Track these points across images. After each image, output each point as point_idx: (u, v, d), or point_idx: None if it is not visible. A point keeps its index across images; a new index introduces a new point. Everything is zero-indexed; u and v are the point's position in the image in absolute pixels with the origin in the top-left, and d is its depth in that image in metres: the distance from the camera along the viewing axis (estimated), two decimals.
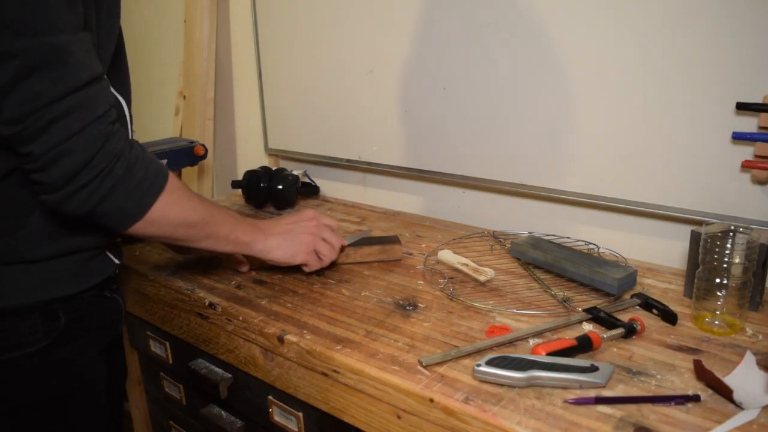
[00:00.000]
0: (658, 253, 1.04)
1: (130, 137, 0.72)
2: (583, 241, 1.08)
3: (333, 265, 1.03)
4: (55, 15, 0.60)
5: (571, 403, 0.65)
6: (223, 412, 1.02)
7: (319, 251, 0.94)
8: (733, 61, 0.89)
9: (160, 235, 0.75)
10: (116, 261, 0.85)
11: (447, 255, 1.03)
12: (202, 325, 0.95)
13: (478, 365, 0.69)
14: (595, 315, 0.82)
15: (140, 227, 0.71)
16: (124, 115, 0.78)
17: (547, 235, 1.10)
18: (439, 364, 0.73)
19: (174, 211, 0.73)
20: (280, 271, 1.01)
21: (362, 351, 0.77)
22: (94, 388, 0.83)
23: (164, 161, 1.33)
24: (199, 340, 0.97)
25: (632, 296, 0.88)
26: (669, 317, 0.81)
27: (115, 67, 0.78)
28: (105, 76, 0.68)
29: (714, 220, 0.93)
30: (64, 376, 0.78)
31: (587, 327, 0.81)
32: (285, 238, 0.90)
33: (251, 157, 1.71)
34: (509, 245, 1.08)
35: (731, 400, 0.64)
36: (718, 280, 0.79)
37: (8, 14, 0.57)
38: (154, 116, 1.95)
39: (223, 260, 1.04)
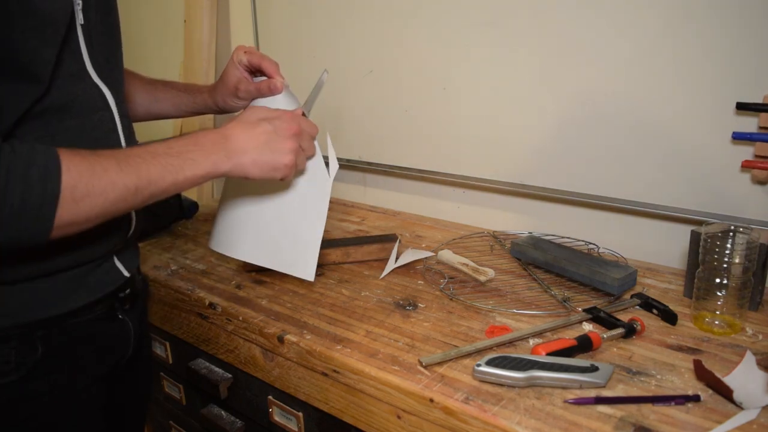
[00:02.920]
0: (658, 253, 1.04)
1: None
2: (583, 241, 1.08)
3: (333, 264, 1.03)
4: None
5: (571, 403, 0.65)
6: (223, 412, 1.02)
7: (297, 162, 0.77)
8: (733, 61, 0.89)
9: (88, 227, 0.63)
10: (125, 273, 0.77)
11: (447, 255, 1.03)
12: (202, 325, 0.95)
13: (478, 365, 0.69)
14: (595, 315, 0.82)
15: (57, 234, 0.59)
16: (108, 107, 0.73)
17: (547, 235, 1.10)
18: (439, 364, 0.73)
19: (86, 207, 0.60)
20: (280, 271, 1.01)
21: (362, 351, 0.77)
22: (81, 421, 0.76)
23: None
24: (199, 340, 0.97)
25: (632, 296, 0.88)
26: (669, 317, 0.81)
27: (105, 54, 0.74)
28: None
29: (714, 220, 0.93)
30: (41, 409, 0.71)
31: (587, 327, 0.81)
32: (262, 151, 0.72)
33: None
34: (509, 245, 1.08)
35: (731, 400, 0.64)
36: (718, 280, 0.79)
37: None
38: None
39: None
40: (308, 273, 0.82)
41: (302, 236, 0.83)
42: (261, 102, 0.86)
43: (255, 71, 0.89)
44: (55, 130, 0.67)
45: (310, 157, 0.80)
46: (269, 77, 0.86)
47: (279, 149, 0.73)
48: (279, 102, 0.84)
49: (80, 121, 0.69)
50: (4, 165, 0.55)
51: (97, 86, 0.72)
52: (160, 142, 0.68)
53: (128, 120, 0.79)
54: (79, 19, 0.68)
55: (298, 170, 0.79)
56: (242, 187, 0.85)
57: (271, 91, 0.87)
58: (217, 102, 0.94)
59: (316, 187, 0.83)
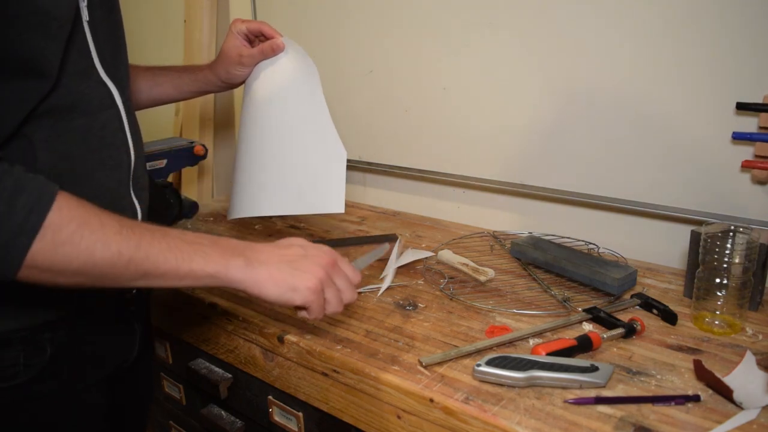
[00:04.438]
0: (658, 253, 1.04)
1: None
2: (583, 241, 1.08)
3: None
4: None
5: (571, 403, 0.65)
6: (223, 412, 1.02)
7: (327, 297, 0.67)
8: (733, 61, 0.89)
9: (63, 283, 0.57)
10: None
11: (447, 255, 1.03)
12: (202, 325, 0.95)
13: (478, 365, 0.69)
14: (595, 315, 0.82)
15: (27, 275, 0.54)
16: (115, 105, 0.72)
17: (547, 235, 1.10)
18: (439, 364, 0.73)
19: (65, 256, 0.54)
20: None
21: (362, 351, 0.77)
22: (85, 423, 0.75)
23: (164, 161, 1.33)
24: (199, 340, 0.97)
25: (632, 296, 0.88)
26: (669, 317, 0.81)
27: (112, 50, 0.74)
28: None
29: (714, 220, 0.93)
30: (47, 411, 0.70)
31: (587, 327, 0.81)
32: (281, 268, 0.65)
33: None
34: (509, 245, 1.08)
35: (731, 400, 0.64)
36: (718, 280, 0.79)
37: None
38: (154, 116, 1.94)
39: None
40: (338, 205, 0.82)
41: (322, 169, 0.85)
42: (265, 63, 0.89)
43: (254, 38, 0.93)
44: (62, 129, 0.66)
45: (347, 301, 0.70)
46: (270, 39, 0.90)
47: (303, 269, 0.65)
48: (285, 60, 0.87)
49: (87, 120, 0.69)
50: None
51: (104, 84, 0.71)
52: (178, 229, 0.62)
53: (134, 118, 0.79)
54: (85, 15, 0.68)
55: (328, 310, 0.68)
56: (250, 150, 0.86)
57: (274, 51, 0.90)
58: (220, 75, 0.95)
59: (313, 113, 0.86)
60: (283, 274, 0.64)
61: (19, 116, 0.61)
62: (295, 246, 0.68)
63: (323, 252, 0.68)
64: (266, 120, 0.92)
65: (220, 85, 0.97)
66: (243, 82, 0.97)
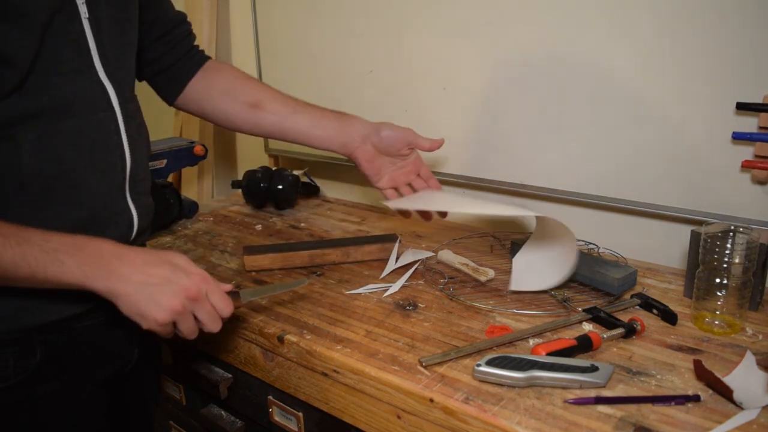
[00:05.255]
0: (658, 253, 1.04)
1: None
2: (583, 241, 1.08)
3: (333, 264, 1.03)
4: None
5: (571, 403, 0.65)
6: (223, 412, 1.02)
7: (179, 327, 0.67)
8: (733, 61, 0.89)
9: None
10: None
11: (447, 255, 1.03)
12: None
13: (478, 365, 0.69)
14: (595, 315, 0.82)
15: None
16: (111, 107, 0.71)
17: None
18: (439, 364, 0.73)
19: None
20: (280, 272, 1.02)
21: (362, 351, 0.77)
22: (83, 427, 0.75)
23: (164, 161, 1.33)
24: (199, 340, 0.97)
25: (632, 296, 0.88)
26: (669, 317, 0.81)
27: (117, 50, 0.72)
28: None
29: (714, 220, 0.93)
30: (40, 414, 0.69)
31: (587, 327, 0.81)
32: (138, 290, 0.62)
33: (251, 157, 1.71)
34: (509, 245, 1.08)
35: (731, 400, 0.64)
36: (718, 280, 0.79)
37: None
38: (154, 116, 1.94)
39: None
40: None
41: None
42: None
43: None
44: (51, 131, 0.65)
45: (208, 331, 0.70)
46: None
47: (158, 301, 0.63)
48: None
49: (79, 122, 0.67)
50: None
51: (101, 84, 0.69)
52: (45, 231, 0.61)
53: (135, 121, 0.76)
54: (84, 12, 0.66)
55: (185, 332, 0.68)
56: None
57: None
58: (370, 138, 0.96)
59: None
60: (138, 297, 0.62)
61: None
62: (167, 266, 0.65)
63: (191, 282, 0.65)
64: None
65: (350, 152, 0.97)
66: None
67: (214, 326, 0.69)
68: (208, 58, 0.95)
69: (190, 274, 0.66)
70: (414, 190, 1.00)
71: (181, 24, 0.91)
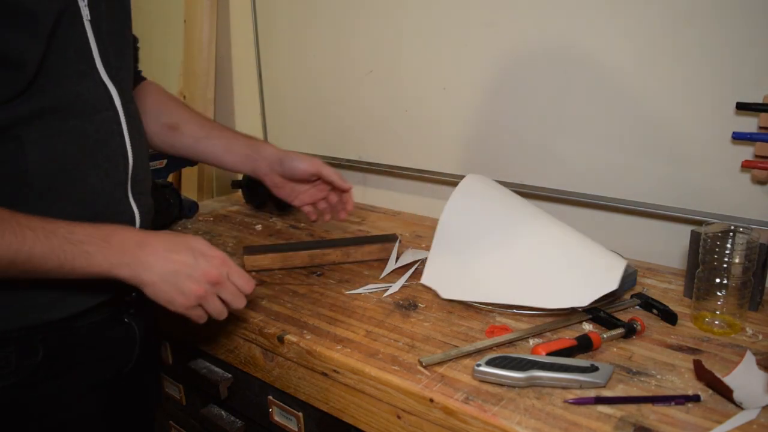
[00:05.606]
0: (658, 253, 1.04)
1: None
2: None
3: (333, 264, 1.03)
4: None
5: (571, 403, 0.65)
6: (223, 412, 1.02)
7: (207, 309, 0.71)
8: (733, 61, 0.89)
9: None
10: None
11: None
12: (202, 325, 0.95)
13: (478, 365, 0.69)
14: (595, 315, 0.82)
15: None
16: (113, 107, 0.72)
17: None
18: (439, 364, 0.73)
19: None
20: (280, 272, 1.02)
21: (362, 351, 0.77)
22: (82, 427, 0.75)
23: (164, 161, 1.33)
24: (199, 340, 0.97)
25: (632, 296, 0.88)
26: (669, 317, 0.81)
27: (116, 50, 0.73)
28: None
29: (714, 220, 0.93)
30: (41, 414, 0.70)
31: (587, 327, 0.81)
32: (164, 278, 0.66)
33: None
34: None
35: (731, 400, 0.64)
36: (718, 280, 0.79)
37: None
38: None
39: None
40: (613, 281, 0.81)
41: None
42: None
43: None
44: (55, 130, 0.65)
45: (235, 307, 0.73)
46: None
47: (182, 288, 0.67)
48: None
49: (82, 122, 0.68)
50: None
51: (103, 84, 0.70)
52: (70, 223, 0.63)
53: (138, 122, 0.77)
54: (86, 14, 0.67)
55: (212, 313, 0.72)
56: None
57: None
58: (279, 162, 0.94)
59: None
60: (163, 285, 0.66)
61: None
62: (188, 251, 0.67)
63: (211, 265, 0.68)
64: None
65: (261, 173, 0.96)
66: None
67: (238, 304, 0.72)
68: (144, 78, 0.96)
69: (210, 258, 0.69)
70: (330, 204, 1.00)
71: (133, 45, 0.92)
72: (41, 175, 0.65)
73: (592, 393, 0.66)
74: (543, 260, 0.86)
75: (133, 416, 0.89)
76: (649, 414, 0.63)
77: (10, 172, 0.64)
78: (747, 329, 0.79)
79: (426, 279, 0.91)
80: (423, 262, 1.04)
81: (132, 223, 0.76)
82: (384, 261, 1.04)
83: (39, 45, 0.62)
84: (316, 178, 0.96)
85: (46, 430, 0.72)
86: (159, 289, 0.66)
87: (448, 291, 0.87)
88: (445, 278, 0.90)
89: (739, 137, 0.90)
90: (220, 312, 0.71)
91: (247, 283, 0.72)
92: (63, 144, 0.66)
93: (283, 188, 0.97)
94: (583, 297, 0.80)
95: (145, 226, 0.78)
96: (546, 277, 0.84)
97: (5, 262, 0.59)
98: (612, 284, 0.80)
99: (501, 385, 0.68)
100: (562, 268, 0.85)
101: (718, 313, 0.80)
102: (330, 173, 0.94)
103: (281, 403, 0.89)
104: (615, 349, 0.75)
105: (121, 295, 0.77)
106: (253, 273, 1.02)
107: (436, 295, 0.91)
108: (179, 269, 0.66)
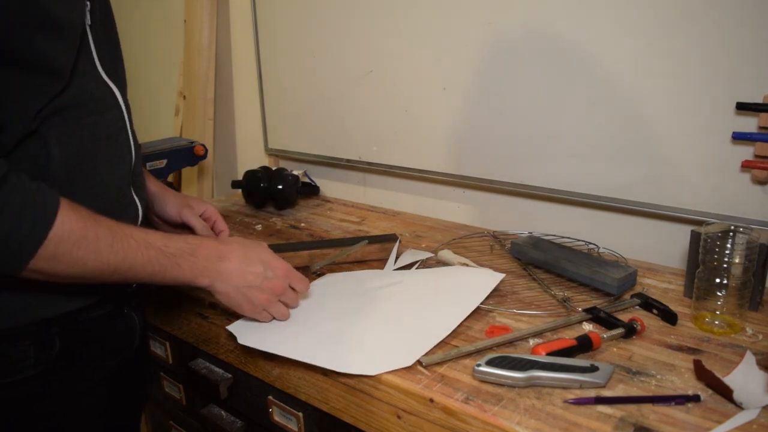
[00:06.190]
0: (658, 253, 1.04)
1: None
2: (583, 241, 1.08)
3: (333, 264, 1.03)
4: None
5: (571, 403, 0.65)
6: (223, 412, 1.02)
7: (271, 313, 0.81)
8: (733, 61, 0.89)
9: (58, 281, 0.64)
10: None
11: (447, 255, 1.03)
12: (202, 325, 0.95)
13: (478, 365, 0.69)
14: (595, 315, 0.82)
15: (27, 276, 0.61)
16: (118, 105, 0.76)
17: (547, 235, 1.10)
18: (439, 364, 0.73)
19: (63, 265, 0.62)
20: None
21: None
22: (87, 419, 0.78)
23: (164, 161, 1.33)
24: (199, 340, 0.97)
25: (632, 296, 0.88)
26: (669, 317, 0.81)
27: (110, 52, 0.76)
28: None
29: (714, 220, 0.93)
30: (53, 407, 0.72)
31: (587, 327, 0.81)
32: (238, 289, 0.76)
33: (251, 157, 1.71)
34: (509, 245, 1.08)
35: (731, 400, 0.64)
36: (718, 280, 0.79)
37: None
38: (154, 116, 1.95)
39: None
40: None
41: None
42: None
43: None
44: (73, 127, 0.69)
45: (290, 307, 0.83)
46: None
47: (253, 298, 0.78)
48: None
49: (96, 118, 0.71)
50: (2, 198, 0.57)
51: (106, 84, 0.74)
52: (164, 235, 0.72)
53: (132, 119, 0.81)
54: (87, 20, 0.70)
55: (277, 317, 0.81)
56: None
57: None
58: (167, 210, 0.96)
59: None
60: (235, 295, 0.77)
61: (30, 112, 0.63)
62: (259, 264, 0.78)
63: (277, 276, 0.79)
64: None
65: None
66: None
67: (295, 304, 0.84)
68: None
69: (276, 268, 0.79)
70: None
71: None
72: (62, 170, 0.68)
73: (592, 393, 0.66)
74: (355, 328, 0.80)
75: (126, 407, 0.91)
76: (649, 414, 0.63)
77: (34, 166, 0.66)
78: (747, 329, 0.79)
79: (233, 326, 0.84)
80: (423, 262, 1.04)
81: (136, 214, 0.80)
82: (384, 261, 1.04)
83: (72, 52, 0.67)
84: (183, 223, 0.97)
85: (61, 421, 0.74)
86: (231, 297, 0.77)
87: (246, 338, 0.80)
88: (252, 328, 0.83)
89: (739, 137, 0.90)
90: (282, 315, 0.81)
91: (304, 288, 0.83)
92: (80, 140, 0.70)
93: (162, 228, 0.99)
94: (369, 368, 0.72)
95: (144, 218, 0.82)
96: (347, 343, 0.77)
97: (112, 268, 0.65)
98: (406, 363, 0.72)
99: (501, 385, 0.68)
100: (372, 337, 0.78)
101: (718, 313, 0.80)
102: (194, 223, 0.95)
103: (281, 403, 0.88)
104: (615, 349, 0.75)
105: (123, 288, 0.80)
106: None
107: None
108: (251, 282, 0.77)
